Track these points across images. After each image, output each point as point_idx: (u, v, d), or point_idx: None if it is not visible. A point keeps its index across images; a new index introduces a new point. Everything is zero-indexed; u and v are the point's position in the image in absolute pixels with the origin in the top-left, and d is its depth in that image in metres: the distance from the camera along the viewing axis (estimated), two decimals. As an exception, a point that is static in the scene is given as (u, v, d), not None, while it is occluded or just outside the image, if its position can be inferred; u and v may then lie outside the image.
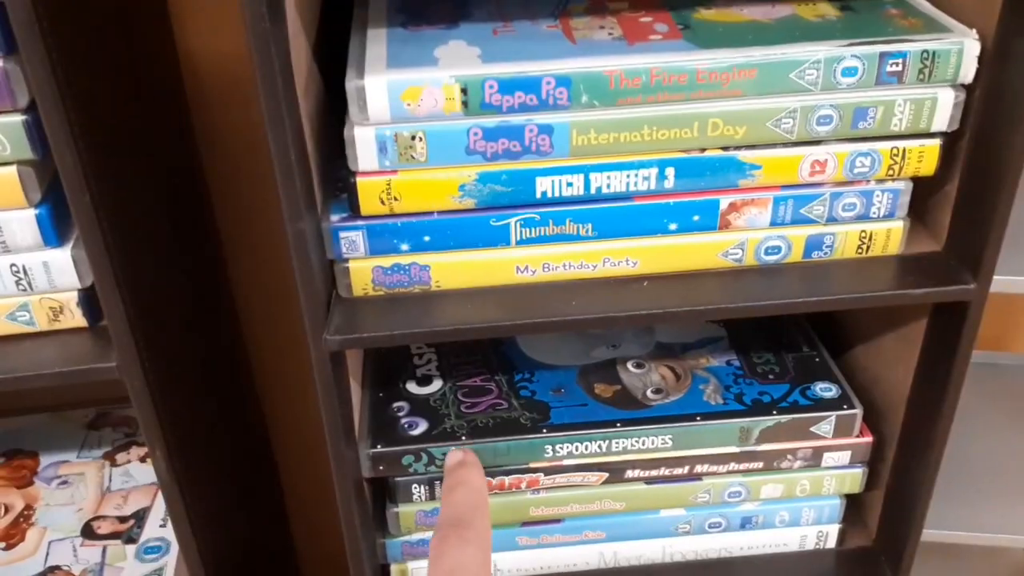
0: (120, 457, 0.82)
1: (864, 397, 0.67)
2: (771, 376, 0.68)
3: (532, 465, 0.65)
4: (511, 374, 0.69)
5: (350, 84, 0.49)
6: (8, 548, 0.73)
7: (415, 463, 0.63)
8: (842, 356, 0.75)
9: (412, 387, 0.68)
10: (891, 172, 0.55)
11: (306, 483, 1.09)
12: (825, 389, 0.67)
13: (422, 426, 0.64)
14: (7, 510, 0.77)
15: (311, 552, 1.16)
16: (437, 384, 0.68)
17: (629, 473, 0.66)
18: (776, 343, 0.72)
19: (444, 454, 0.62)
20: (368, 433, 0.63)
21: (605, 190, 0.54)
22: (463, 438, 0.63)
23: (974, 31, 0.52)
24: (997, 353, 1.03)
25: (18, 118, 0.50)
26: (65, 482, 0.80)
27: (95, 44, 0.56)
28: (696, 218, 0.55)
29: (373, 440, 0.63)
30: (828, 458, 0.67)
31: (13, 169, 0.51)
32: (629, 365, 0.70)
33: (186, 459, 0.60)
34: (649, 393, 0.67)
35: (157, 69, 0.74)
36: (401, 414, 0.65)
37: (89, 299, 0.55)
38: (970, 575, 1.13)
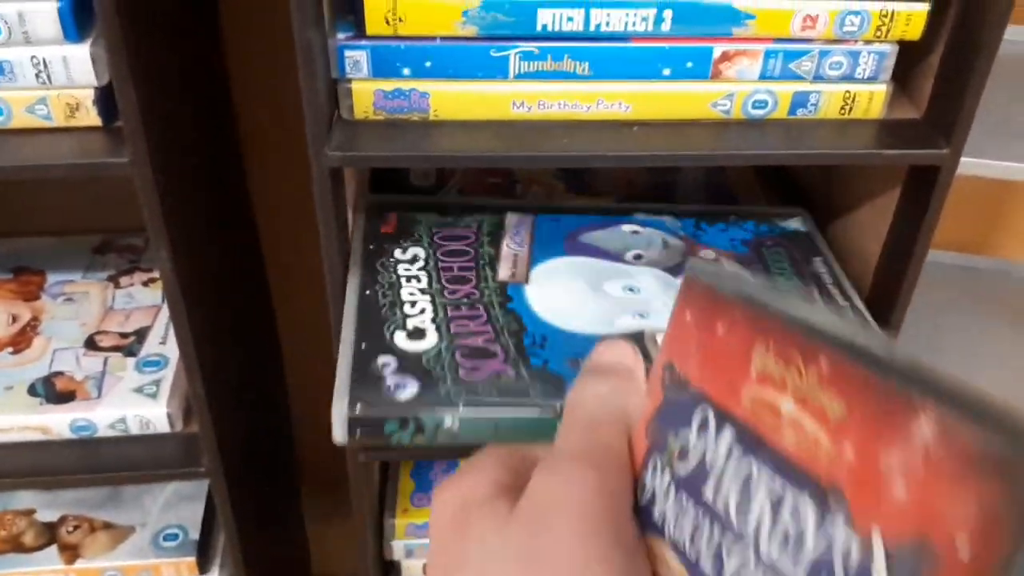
0: (124, 280, 0.85)
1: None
2: None
3: None
4: (519, 337, 0.57)
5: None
6: (15, 352, 0.77)
7: (400, 431, 0.51)
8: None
9: (401, 340, 0.56)
10: (879, 34, 0.57)
11: (298, 312, 1.12)
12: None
13: (411, 388, 0.52)
14: (15, 319, 0.81)
15: (299, 374, 1.21)
16: (432, 340, 0.56)
17: None
18: None
19: (437, 424, 0.51)
20: (347, 391, 0.52)
21: (604, 28, 0.56)
22: (461, 406, 0.51)
23: None
24: (977, 257, 1.06)
25: (44, -90, 0.52)
26: (70, 299, 0.83)
27: None
28: (689, 64, 0.58)
29: (353, 400, 0.51)
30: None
31: (38, -40, 0.53)
32: (659, 338, 0.55)
33: (188, 261, 0.64)
34: None
35: None
36: (387, 372, 0.53)
37: (105, 99, 0.58)
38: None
